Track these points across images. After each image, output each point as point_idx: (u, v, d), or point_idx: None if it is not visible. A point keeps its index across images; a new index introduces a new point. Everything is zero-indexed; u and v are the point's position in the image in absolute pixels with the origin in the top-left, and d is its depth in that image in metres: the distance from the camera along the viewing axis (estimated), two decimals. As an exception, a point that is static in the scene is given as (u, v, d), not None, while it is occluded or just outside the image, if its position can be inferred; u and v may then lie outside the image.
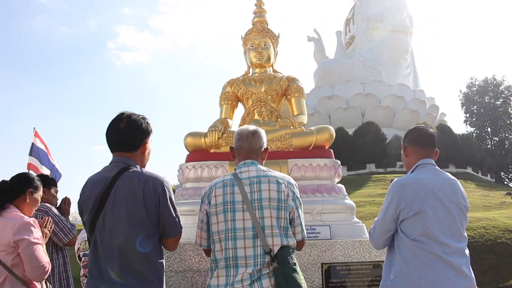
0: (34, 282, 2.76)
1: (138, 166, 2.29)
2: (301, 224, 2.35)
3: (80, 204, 2.27)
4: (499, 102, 36.17)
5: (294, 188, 2.36)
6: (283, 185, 2.30)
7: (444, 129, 29.37)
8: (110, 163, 2.31)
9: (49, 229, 3.02)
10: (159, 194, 2.19)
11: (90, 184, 2.25)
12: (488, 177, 31.65)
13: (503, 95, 36.40)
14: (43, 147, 8.00)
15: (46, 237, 3.00)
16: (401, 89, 33.14)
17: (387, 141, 28.86)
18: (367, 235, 5.59)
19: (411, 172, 2.60)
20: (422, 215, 2.38)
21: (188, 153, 6.40)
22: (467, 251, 2.44)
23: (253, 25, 7.22)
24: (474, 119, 36.57)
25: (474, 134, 35.33)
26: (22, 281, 2.69)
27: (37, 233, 2.78)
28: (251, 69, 7.10)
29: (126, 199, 2.14)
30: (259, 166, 2.42)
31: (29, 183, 2.99)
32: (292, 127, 6.22)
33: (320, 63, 35.56)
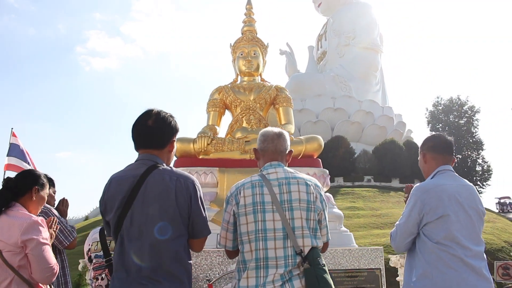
0: (40, 284, 2.63)
1: (164, 165, 2.25)
2: (326, 227, 2.37)
3: (104, 202, 2.18)
4: (462, 121, 37.36)
5: (320, 190, 2.38)
6: (311, 187, 2.32)
7: (410, 145, 29.97)
8: (136, 161, 2.26)
9: (54, 229, 2.85)
10: (190, 193, 2.15)
11: (116, 182, 2.18)
12: (452, 194, 32.45)
13: (466, 115, 37.61)
14: (22, 147, 7.79)
15: (52, 238, 2.84)
16: (370, 105, 33.72)
17: (356, 155, 29.25)
18: (355, 244, 5.68)
19: (431, 178, 2.67)
20: (446, 219, 2.45)
21: (175, 158, 6.36)
22: (484, 255, 2.52)
23: (242, 33, 7.26)
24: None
25: (439, 152, 36.23)
26: (29, 283, 2.56)
27: (45, 233, 2.65)
28: (239, 77, 7.13)
29: (157, 197, 2.09)
30: (286, 167, 2.43)
31: (35, 180, 2.85)
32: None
33: (292, 76, 35.85)
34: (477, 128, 37.40)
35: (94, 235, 2.69)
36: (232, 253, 2.42)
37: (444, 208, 2.47)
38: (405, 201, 2.86)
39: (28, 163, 7.76)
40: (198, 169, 5.85)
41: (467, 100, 38.07)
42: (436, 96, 39.67)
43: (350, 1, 37.82)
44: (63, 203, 3.81)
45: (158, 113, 2.29)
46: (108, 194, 2.18)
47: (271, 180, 2.32)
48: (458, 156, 36.70)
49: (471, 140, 36.44)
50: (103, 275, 2.53)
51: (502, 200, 21.26)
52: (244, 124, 6.59)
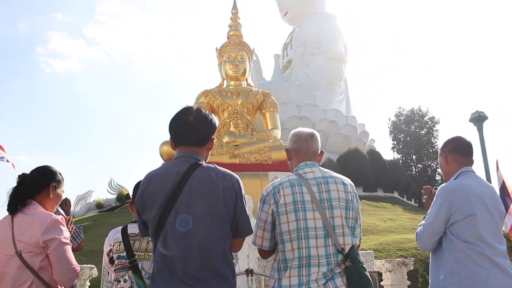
0: (61, 287, 2.48)
1: (203, 162, 2.20)
2: (361, 226, 2.38)
3: (143, 201, 2.09)
4: (423, 132, 38.43)
5: (355, 190, 2.39)
6: (348, 186, 2.33)
7: (374, 154, 30.64)
8: (176, 158, 2.17)
9: (70, 229, 2.68)
10: (236, 191, 2.10)
11: (157, 180, 2.09)
12: (412, 202, 33.27)
13: (427, 125, 38.73)
14: None
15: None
16: (335, 114, 34.25)
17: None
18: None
19: (455, 179, 2.72)
20: (473, 218, 2.51)
21: (163, 161, 6.27)
22: (507, 253, 2.60)
23: (228, 38, 7.26)
24: (400, 146, 38.57)
25: (400, 161, 37.24)
26: (49, 286, 2.40)
27: (66, 233, 2.50)
28: (225, 81, 7.11)
29: (205, 195, 2.02)
30: (320, 167, 2.43)
31: (52, 177, 2.67)
32: (270, 141, 6.28)
33: (257, 84, 35.90)
34: (437, 139, 38.57)
35: (115, 235, 2.56)
36: (267, 253, 2.38)
37: (471, 207, 2.53)
38: (424, 202, 2.91)
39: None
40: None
41: (428, 111, 39.25)
42: (398, 107, 40.96)
43: (316, 11, 38.44)
44: (66, 203, 3.65)
45: (199, 109, 2.23)
46: (147, 192, 2.08)
47: (309, 179, 2.31)
48: (419, 165, 37.72)
49: (431, 150, 37.46)
50: (126, 277, 2.42)
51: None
52: (232, 128, 6.57)
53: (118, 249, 2.49)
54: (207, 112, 2.27)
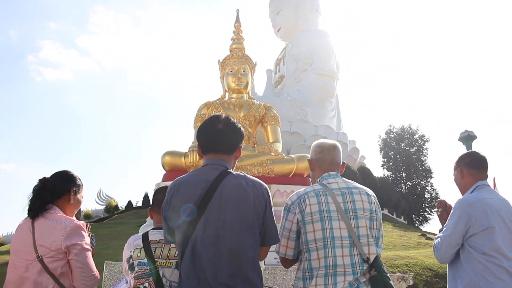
0: None
1: (232, 170, 2.21)
2: (382, 236, 2.40)
3: (170, 207, 2.10)
4: (413, 150, 38.63)
5: (377, 201, 2.42)
6: (372, 197, 2.37)
7: (364, 171, 30.76)
8: (205, 165, 2.19)
9: (88, 235, 2.65)
10: (266, 199, 2.12)
11: (186, 186, 2.09)
12: (402, 219, 33.32)
13: (417, 144, 38.96)
14: None
15: None
16: (326, 131, 34.36)
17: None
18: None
19: (471, 192, 2.77)
20: (491, 231, 2.56)
21: (164, 172, 6.25)
22: None
23: (230, 51, 7.31)
24: (390, 163, 38.69)
25: (390, 178, 37.35)
26: None
27: (87, 238, 2.50)
28: (227, 93, 7.14)
29: (236, 203, 2.03)
30: (343, 178, 2.46)
31: (73, 181, 2.65)
32: (272, 154, 6.30)
33: (249, 98, 36.19)
34: (427, 157, 38.76)
35: (136, 241, 2.54)
36: (290, 262, 2.40)
37: (489, 220, 2.59)
38: (439, 215, 2.95)
39: None
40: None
41: (418, 129, 39.52)
42: (388, 124, 41.36)
43: (309, 28, 38.81)
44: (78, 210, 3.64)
45: (228, 118, 2.25)
46: (176, 199, 2.08)
47: (333, 189, 2.34)
48: (409, 183, 37.87)
49: (420, 168, 37.70)
50: (147, 284, 2.40)
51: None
52: (234, 141, 6.58)
53: (139, 255, 2.46)
54: (236, 120, 2.30)
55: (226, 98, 7.13)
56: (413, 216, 35.39)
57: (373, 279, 2.16)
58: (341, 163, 2.56)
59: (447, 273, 2.81)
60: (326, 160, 2.50)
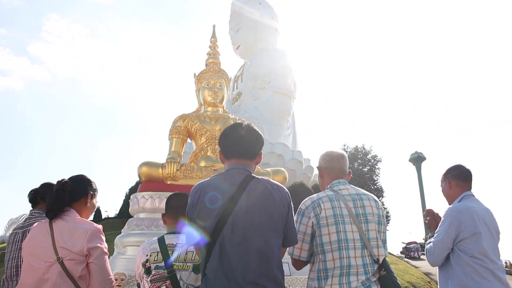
0: None
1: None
2: (387, 240, 2.57)
3: (196, 209, 2.16)
4: (366, 169, 39.71)
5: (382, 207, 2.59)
6: (379, 203, 2.54)
7: (318, 189, 30.98)
8: (229, 170, 2.27)
9: None
10: (288, 202, 2.22)
11: (211, 189, 2.16)
12: (354, 237, 34.07)
13: (369, 163, 40.09)
14: None
15: None
16: (282, 148, 34.67)
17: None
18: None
19: (459, 201, 3.02)
20: (478, 236, 2.84)
21: (140, 182, 6.23)
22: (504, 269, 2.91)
23: (206, 65, 7.41)
24: (344, 183, 39.60)
25: (344, 196, 38.12)
26: None
27: (105, 243, 2.51)
28: (202, 107, 7.22)
29: (263, 205, 2.11)
30: (351, 185, 2.61)
31: (90, 185, 2.65)
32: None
33: (206, 114, 36.13)
34: (379, 176, 39.90)
35: (152, 245, 2.56)
36: (303, 263, 2.51)
37: (476, 226, 2.87)
38: (427, 223, 3.17)
39: None
40: (168, 194, 5.76)
41: (371, 150, 40.76)
42: (343, 144, 42.42)
43: (268, 47, 39.36)
44: None
45: (249, 124, 2.36)
46: (202, 201, 2.14)
47: (345, 195, 2.50)
48: (361, 201, 38.71)
49: (372, 187, 38.63)
50: (164, 287, 2.45)
51: (408, 246, 22.53)
52: (209, 153, 6.66)
53: (156, 259, 2.48)
54: (257, 127, 2.41)
55: (202, 111, 7.20)
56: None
57: (382, 278, 2.33)
58: (347, 172, 2.71)
59: (438, 275, 3.05)
60: (335, 168, 2.66)
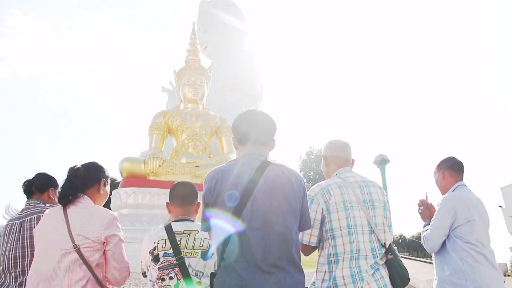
0: (110, 286, 2.38)
1: None
2: (392, 226, 2.65)
3: (214, 194, 2.13)
4: (331, 171, 40.38)
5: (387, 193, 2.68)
6: (383, 190, 2.62)
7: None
8: (245, 155, 2.25)
9: None
10: (304, 188, 2.24)
11: (229, 173, 2.15)
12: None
13: (335, 165, 40.78)
14: None
15: None
16: (249, 150, 34.90)
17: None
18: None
19: (453, 191, 3.14)
20: (473, 223, 2.98)
21: (122, 178, 6.17)
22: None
23: (186, 62, 7.41)
24: (310, 184, 39.96)
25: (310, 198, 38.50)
26: (101, 285, 2.31)
27: (121, 231, 2.43)
28: (182, 103, 7.20)
29: (281, 189, 2.12)
30: (356, 172, 2.68)
31: (103, 172, 2.56)
32: (229, 163, 6.45)
33: (174, 115, 35.86)
34: (344, 178, 40.55)
35: (159, 233, 2.52)
36: (311, 249, 2.55)
37: (471, 214, 3.01)
38: (420, 213, 3.28)
39: None
40: (151, 190, 5.75)
41: (337, 152, 41.32)
42: (309, 146, 42.69)
43: (236, 48, 39.11)
44: None
45: (263, 111, 2.37)
46: (220, 186, 2.13)
47: (351, 182, 2.56)
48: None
49: (337, 189, 39.25)
50: (172, 274, 2.42)
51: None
52: (190, 150, 6.66)
53: (164, 246, 2.45)
54: (270, 114, 2.43)
55: (182, 107, 7.19)
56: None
57: (389, 261, 2.41)
58: (351, 160, 2.79)
59: (433, 261, 3.17)
60: (341, 157, 2.72)
